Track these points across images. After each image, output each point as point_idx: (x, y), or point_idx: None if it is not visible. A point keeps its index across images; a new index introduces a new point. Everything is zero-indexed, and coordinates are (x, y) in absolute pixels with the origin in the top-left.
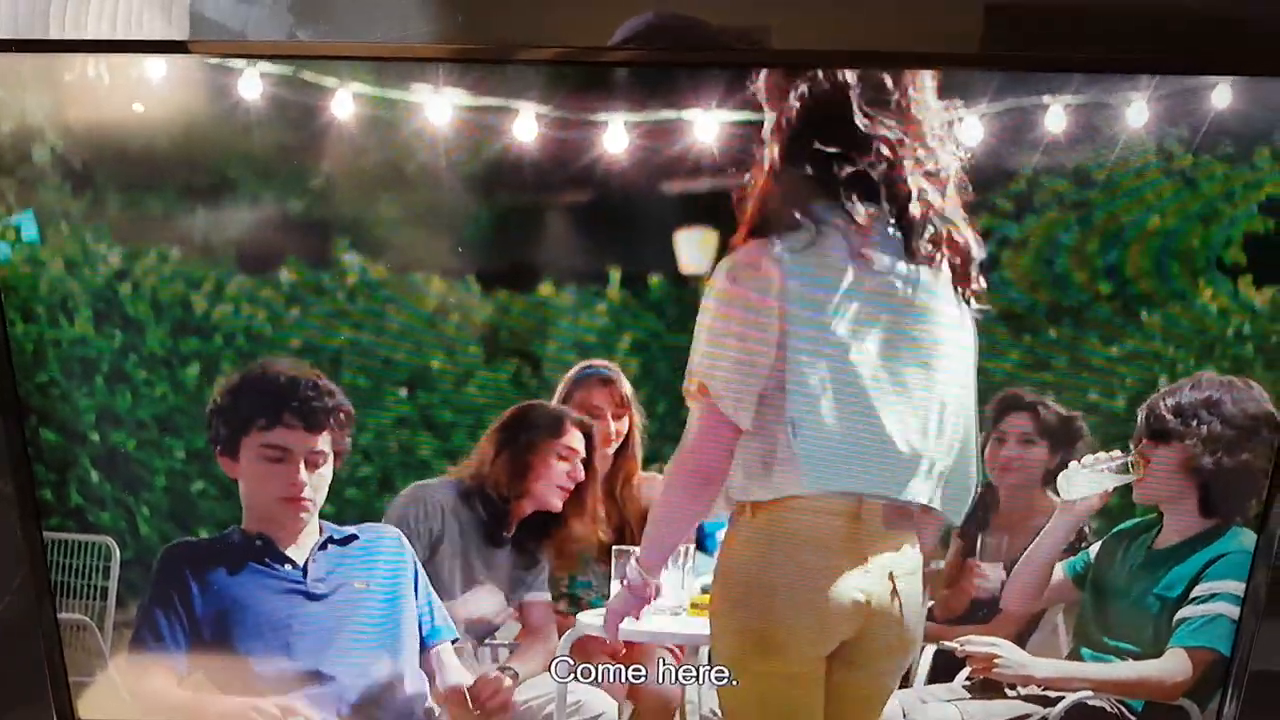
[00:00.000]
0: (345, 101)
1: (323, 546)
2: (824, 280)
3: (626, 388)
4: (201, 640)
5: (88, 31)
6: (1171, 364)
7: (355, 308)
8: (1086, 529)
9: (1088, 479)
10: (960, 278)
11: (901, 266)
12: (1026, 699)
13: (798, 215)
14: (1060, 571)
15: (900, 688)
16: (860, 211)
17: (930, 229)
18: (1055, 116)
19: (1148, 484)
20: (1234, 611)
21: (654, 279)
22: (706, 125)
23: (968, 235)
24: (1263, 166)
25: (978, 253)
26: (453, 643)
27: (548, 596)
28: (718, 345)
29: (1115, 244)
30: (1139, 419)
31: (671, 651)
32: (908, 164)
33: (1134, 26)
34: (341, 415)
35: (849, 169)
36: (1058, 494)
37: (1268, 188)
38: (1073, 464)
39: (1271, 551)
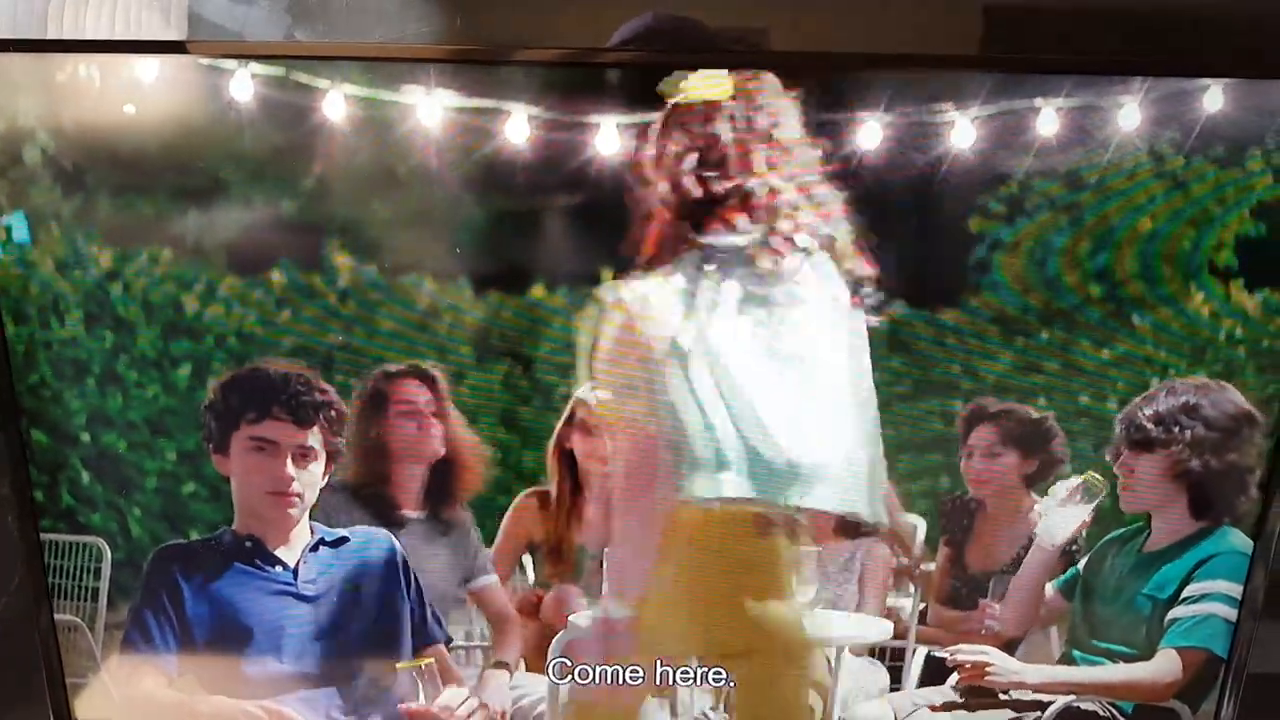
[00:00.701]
0: (338, 103)
1: (314, 548)
2: (702, 295)
3: None
4: (192, 642)
5: (86, 32)
6: (1164, 368)
7: (347, 309)
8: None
9: (1064, 519)
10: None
11: (780, 281)
12: (1017, 704)
13: (679, 238)
14: (1050, 588)
15: (891, 691)
16: (735, 229)
17: (795, 238)
18: (1047, 119)
19: (1134, 494)
20: (1225, 611)
21: None
22: None
23: (847, 250)
24: (1254, 169)
25: (861, 269)
26: (446, 644)
27: (493, 579)
28: (617, 365)
29: (1107, 247)
30: (1116, 430)
31: None
32: (776, 181)
33: (1131, 28)
34: (332, 412)
35: (721, 190)
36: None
37: (1259, 191)
38: (1037, 508)
39: (1269, 553)
